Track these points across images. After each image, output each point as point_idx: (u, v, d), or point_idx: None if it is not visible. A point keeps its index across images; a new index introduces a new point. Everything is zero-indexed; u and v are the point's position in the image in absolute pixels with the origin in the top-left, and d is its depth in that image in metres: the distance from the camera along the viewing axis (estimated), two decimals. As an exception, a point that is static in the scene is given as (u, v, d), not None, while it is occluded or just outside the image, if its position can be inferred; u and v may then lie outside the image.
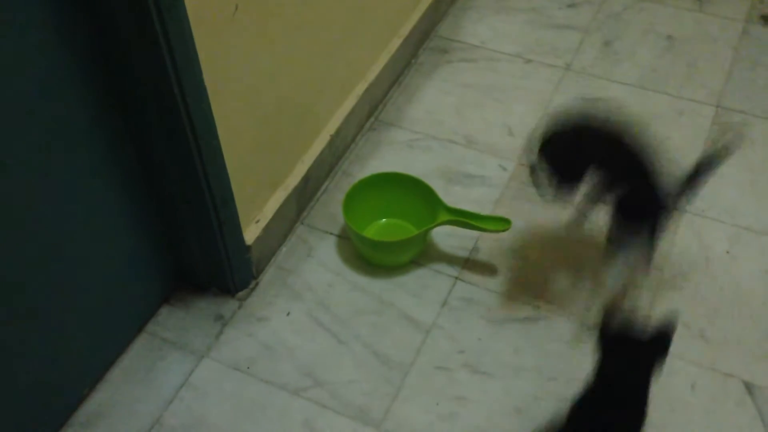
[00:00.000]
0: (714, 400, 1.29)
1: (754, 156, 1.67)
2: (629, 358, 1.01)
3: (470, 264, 1.50)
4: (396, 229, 1.56)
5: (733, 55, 1.89)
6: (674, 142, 1.70)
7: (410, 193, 1.53)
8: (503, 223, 1.44)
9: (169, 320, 1.43)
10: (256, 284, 1.48)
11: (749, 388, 1.30)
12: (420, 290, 1.46)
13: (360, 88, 1.71)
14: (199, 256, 1.40)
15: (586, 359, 1.35)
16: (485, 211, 1.56)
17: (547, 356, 1.36)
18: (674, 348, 1.35)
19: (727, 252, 1.50)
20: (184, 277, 1.46)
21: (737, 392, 1.30)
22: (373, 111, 1.80)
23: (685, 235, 1.52)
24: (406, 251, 1.49)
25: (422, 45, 1.97)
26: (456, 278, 1.48)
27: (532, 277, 1.48)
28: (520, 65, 1.91)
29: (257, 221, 1.44)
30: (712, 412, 1.28)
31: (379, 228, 1.56)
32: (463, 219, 1.45)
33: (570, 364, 1.35)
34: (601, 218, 1.38)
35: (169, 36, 1.04)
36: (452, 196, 1.58)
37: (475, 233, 1.53)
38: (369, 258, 1.51)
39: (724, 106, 1.78)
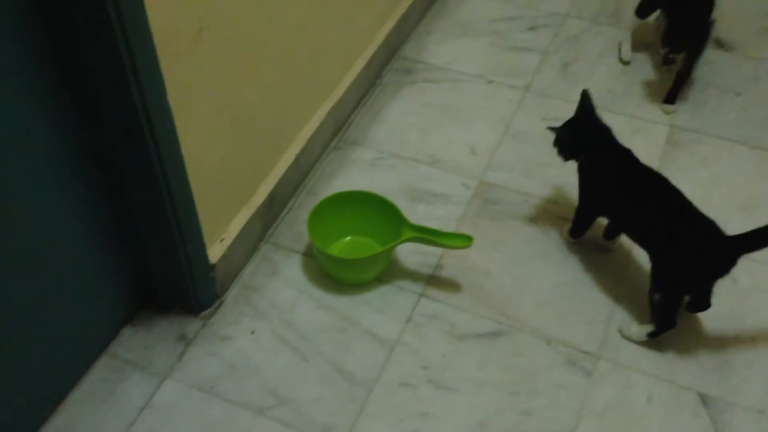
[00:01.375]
0: (670, 411, 1.33)
1: (706, 174, 1.72)
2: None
3: (434, 281, 1.52)
4: (361, 247, 1.57)
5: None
6: (631, 160, 1.75)
7: (375, 211, 1.55)
8: (466, 239, 1.46)
9: (131, 341, 1.41)
10: (221, 303, 1.48)
11: (704, 399, 1.34)
12: (384, 307, 1.48)
13: (325, 108, 1.73)
14: (163, 276, 1.40)
15: (547, 374, 1.38)
16: (448, 229, 1.58)
17: (509, 370, 1.38)
18: (631, 361, 1.39)
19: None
20: (147, 296, 1.45)
21: (692, 404, 1.33)
22: (338, 130, 1.82)
23: (640, 253, 1.56)
24: (370, 268, 1.50)
25: (386, 66, 2.00)
26: (420, 295, 1.50)
27: (495, 292, 1.50)
28: (482, 86, 1.95)
29: (222, 240, 1.45)
30: (669, 423, 1.31)
31: (344, 246, 1.58)
32: (427, 236, 1.47)
33: (532, 379, 1.37)
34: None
35: (134, 56, 1.04)
36: (416, 214, 1.60)
37: (438, 250, 1.55)
38: (334, 275, 1.52)
39: (678, 125, 1.84)
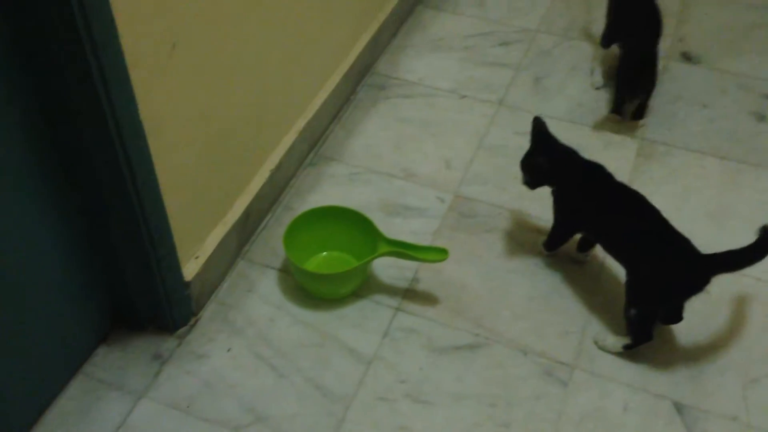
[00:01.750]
0: (646, 420, 1.34)
1: (676, 185, 1.75)
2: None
3: (410, 294, 1.53)
4: (337, 262, 1.57)
5: (655, 90, 1.99)
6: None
7: (350, 226, 1.55)
8: (441, 253, 1.47)
9: (105, 360, 1.40)
10: (196, 321, 1.47)
11: (678, 407, 1.35)
12: (361, 322, 1.48)
13: (300, 124, 1.73)
14: (137, 294, 1.38)
15: (524, 385, 1.38)
16: (424, 242, 1.59)
17: (487, 383, 1.39)
18: (607, 371, 1.41)
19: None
20: (121, 315, 1.44)
21: (667, 412, 1.35)
22: (313, 146, 1.83)
23: (613, 264, 1.58)
24: (347, 283, 1.50)
25: (361, 81, 2.01)
26: (396, 309, 1.50)
27: (472, 305, 1.51)
28: (456, 101, 1.97)
29: (197, 257, 1.44)
30: (644, 431, 1.32)
31: (321, 261, 1.58)
32: (403, 250, 1.47)
33: (509, 390, 1.37)
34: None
35: (105, 73, 1.04)
36: (392, 228, 1.61)
37: (414, 264, 1.56)
38: (310, 291, 1.52)
39: (648, 138, 1.87)
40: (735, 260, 1.30)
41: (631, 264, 1.40)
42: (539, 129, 1.49)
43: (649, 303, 1.38)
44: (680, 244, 1.34)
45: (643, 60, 1.88)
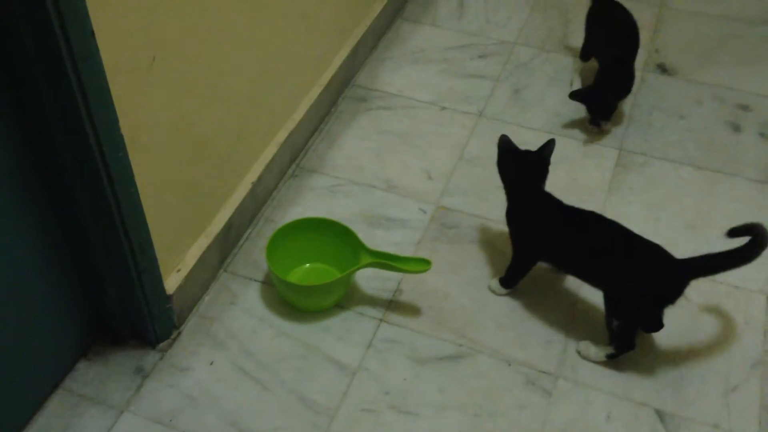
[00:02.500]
0: (628, 428, 1.35)
1: (655, 194, 1.78)
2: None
3: (394, 305, 1.53)
4: (319, 274, 1.57)
5: (632, 100, 2.02)
6: (580, 182, 1.80)
7: (333, 238, 1.55)
8: (424, 264, 1.47)
9: (86, 375, 1.38)
10: (178, 334, 1.45)
11: (660, 415, 1.36)
12: (345, 333, 1.48)
13: (281, 136, 1.73)
14: (118, 307, 1.37)
15: (507, 394, 1.39)
16: (407, 253, 1.59)
17: (470, 393, 1.39)
18: (589, 380, 1.41)
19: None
20: (101, 329, 1.42)
21: (650, 420, 1.36)
22: (294, 158, 1.83)
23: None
24: (329, 295, 1.50)
25: (341, 93, 2.02)
26: (380, 320, 1.50)
27: (455, 315, 1.51)
28: (436, 112, 1.98)
29: (178, 270, 1.43)
30: (628, 439, 1.34)
31: (303, 273, 1.57)
32: (385, 261, 1.47)
33: (493, 400, 1.38)
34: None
35: (84, 86, 1.04)
36: (374, 240, 1.61)
37: (397, 275, 1.56)
38: (293, 303, 1.51)
39: (626, 148, 1.89)
40: (712, 264, 1.32)
41: (606, 283, 1.39)
42: (506, 147, 1.50)
43: (630, 315, 1.39)
44: (652, 251, 1.35)
45: (619, 73, 1.91)
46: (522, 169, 1.48)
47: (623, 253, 1.36)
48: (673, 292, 1.34)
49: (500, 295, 1.54)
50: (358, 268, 1.47)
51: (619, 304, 1.38)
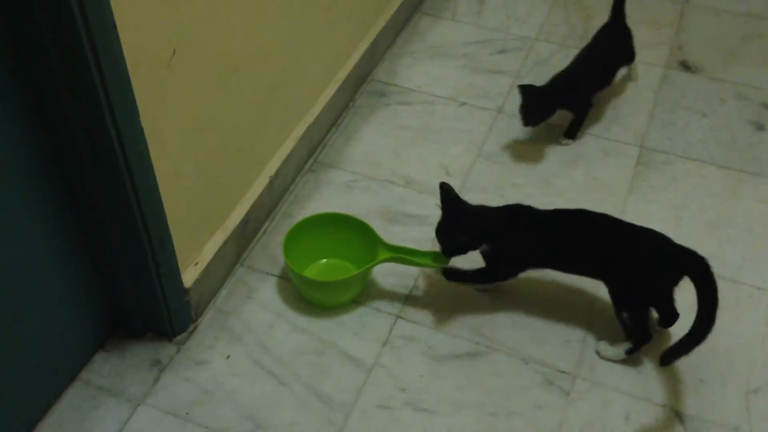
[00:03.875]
0: (648, 429, 1.33)
1: (676, 193, 1.75)
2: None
3: (410, 302, 1.52)
4: (336, 269, 1.56)
5: (654, 98, 2.00)
6: (600, 181, 1.78)
7: (350, 233, 1.55)
8: (442, 258, 1.46)
9: (104, 367, 1.39)
10: (195, 327, 1.45)
11: (680, 417, 1.35)
12: (361, 329, 1.47)
13: (299, 131, 1.73)
14: (136, 300, 1.37)
15: (525, 393, 1.38)
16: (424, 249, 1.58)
17: (487, 391, 1.38)
18: (608, 380, 1.40)
19: (655, 285, 1.55)
20: (119, 321, 1.43)
21: (669, 422, 1.34)
22: (312, 153, 1.82)
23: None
24: (347, 291, 1.50)
25: (360, 88, 2.01)
26: (397, 316, 1.49)
27: (472, 313, 1.50)
28: (455, 108, 1.97)
29: (196, 263, 1.43)
30: (647, 441, 1.32)
31: (320, 268, 1.57)
32: (403, 255, 1.47)
33: (510, 399, 1.37)
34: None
35: (106, 79, 1.04)
36: (391, 235, 1.60)
37: (414, 271, 1.55)
38: (310, 298, 1.51)
39: (647, 146, 1.87)
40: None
41: (608, 274, 1.38)
42: (448, 196, 1.41)
43: (638, 302, 1.37)
44: (647, 235, 1.35)
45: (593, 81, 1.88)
46: (476, 212, 1.41)
47: (620, 242, 1.36)
48: (674, 272, 1.32)
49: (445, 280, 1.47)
50: (377, 263, 1.46)
51: (626, 293, 1.37)
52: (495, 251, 1.42)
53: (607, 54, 1.93)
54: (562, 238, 1.40)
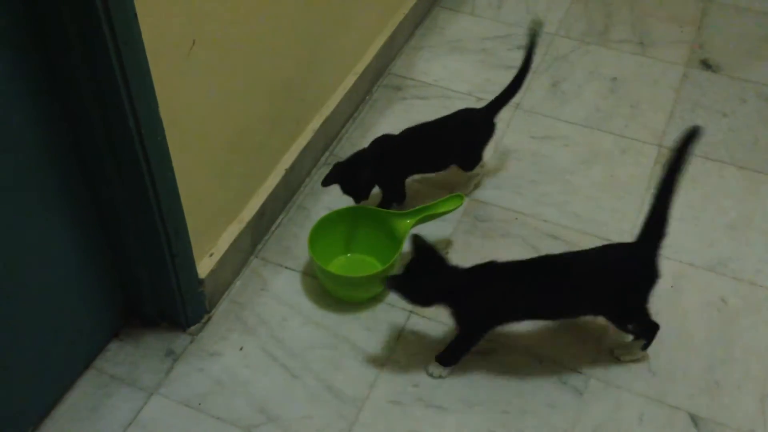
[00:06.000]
0: (661, 431, 1.32)
1: (695, 194, 1.74)
2: None
3: (424, 298, 1.51)
4: (359, 265, 1.56)
5: (674, 96, 1.98)
6: (618, 179, 1.76)
7: (373, 228, 1.55)
8: (458, 198, 1.54)
9: (117, 356, 1.39)
10: (209, 318, 1.46)
11: (694, 420, 1.34)
12: (374, 324, 1.47)
13: (315, 123, 1.72)
14: (151, 290, 1.38)
15: (538, 392, 1.37)
16: (439, 248, 1.57)
17: (500, 389, 1.37)
18: (622, 381, 1.39)
19: (672, 287, 1.54)
20: (134, 311, 1.43)
21: (683, 424, 1.33)
22: (328, 146, 1.82)
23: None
24: (375, 285, 1.49)
25: (377, 82, 2.00)
26: (410, 312, 1.49)
27: (485, 310, 1.49)
28: (472, 103, 1.95)
29: (211, 254, 1.43)
30: (660, 443, 1.31)
31: (343, 263, 1.56)
32: (423, 214, 1.52)
33: (523, 397, 1.36)
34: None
35: (126, 69, 1.03)
36: (406, 231, 1.59)
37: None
38: (336, 294, 1.50)
39: (666, 145, 1.85)
40: (657, 228, 1.30)
41: (596, 307, 1.36)
42: (420, 247, 1.31)
43: (635, 311, 1.36)
44: (609, 253, 1.35)
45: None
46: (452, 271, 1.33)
47: (587, 273, 1.32)
48: (650, 270, 1.31)
49: (443, 377, 1.38)
50: (404, 241, 1.47)
51: (621, 311, 1.36)
52: (465, 308, 1.33)
53: (446, 143, 1.61)
54: (537, 288, 1.31)
